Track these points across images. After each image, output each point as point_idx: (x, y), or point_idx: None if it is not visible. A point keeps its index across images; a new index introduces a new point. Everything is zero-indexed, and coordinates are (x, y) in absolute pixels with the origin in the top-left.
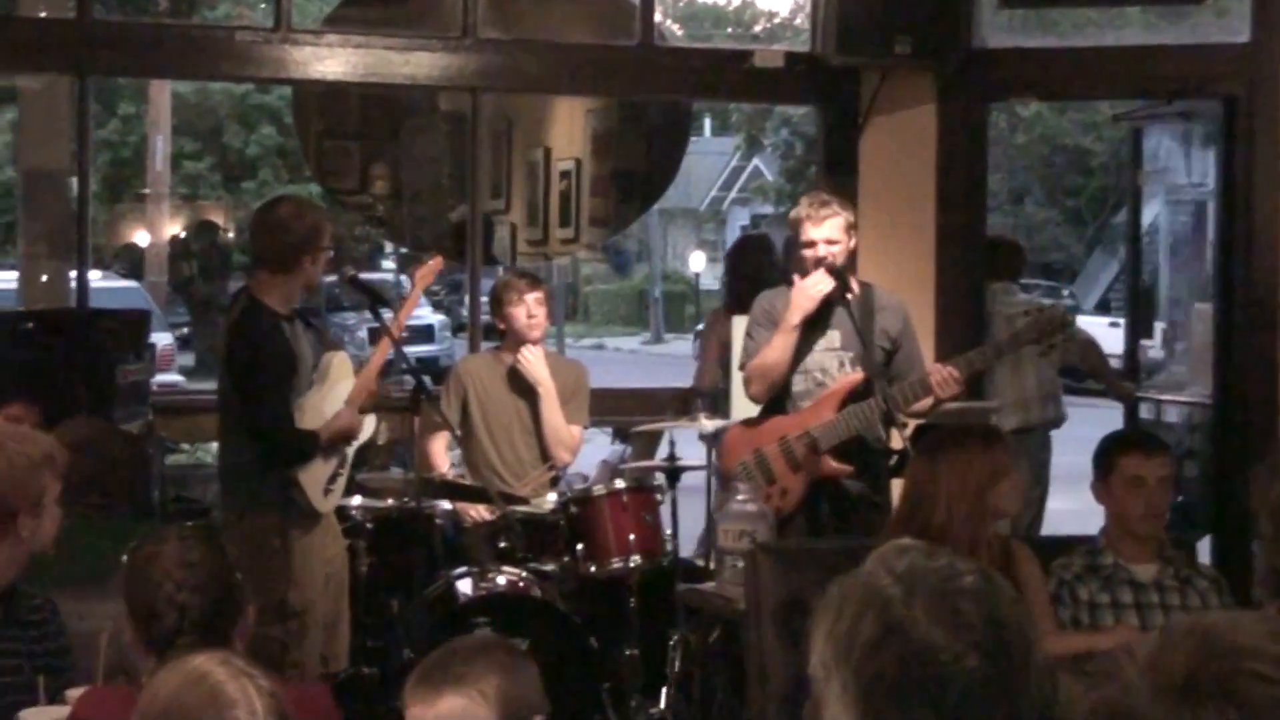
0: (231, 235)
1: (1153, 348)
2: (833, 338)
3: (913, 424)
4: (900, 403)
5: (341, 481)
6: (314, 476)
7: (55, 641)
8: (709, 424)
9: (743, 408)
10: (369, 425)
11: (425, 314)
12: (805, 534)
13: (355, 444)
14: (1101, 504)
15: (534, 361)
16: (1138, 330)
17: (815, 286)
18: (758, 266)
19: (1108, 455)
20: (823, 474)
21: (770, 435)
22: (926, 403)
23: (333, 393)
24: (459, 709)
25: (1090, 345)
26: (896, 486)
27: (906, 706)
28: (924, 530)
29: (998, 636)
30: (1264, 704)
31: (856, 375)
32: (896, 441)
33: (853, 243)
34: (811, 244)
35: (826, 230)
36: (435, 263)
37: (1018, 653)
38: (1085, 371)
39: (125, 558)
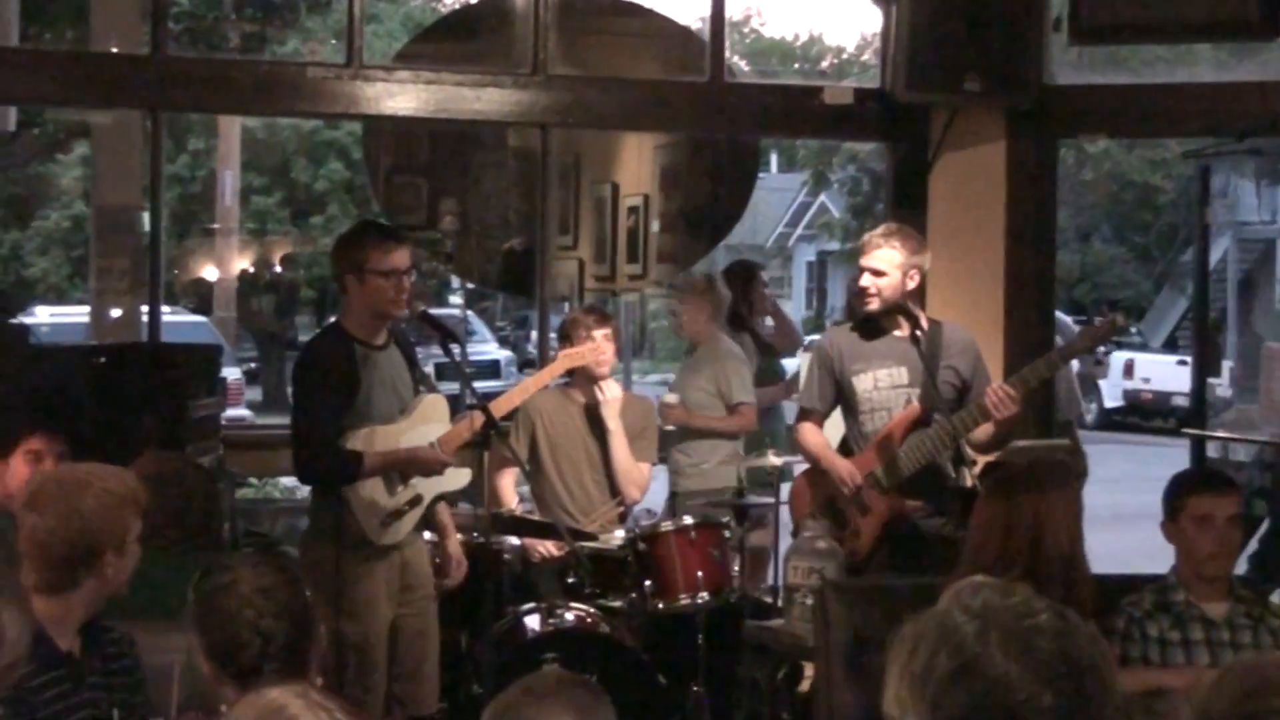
0: (300, 270)
1: (1220, 386)
2: (899, 374)
3: (981, 461)
4: (960, 429)
5: (409, 519)
6: (370, 505)
7: (132, 675)
8: (776, 459)
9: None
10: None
11: (491, 349)
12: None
13: (441, 489)
14: (1171, 543)
15: (611, 402)
16: (1205, 368)
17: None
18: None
19: (1176, 495)
20: (892, 514)
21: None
22: (988, 429)
23: (415, 430)
24: None
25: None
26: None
27: None
28: (1010, 566)
29: (1073, 674)
30: None
31: (913, 409)
32: (967, 479)
33: (912, 280)
34: (861, 271)
35: (874, 260)
36: (586, 350)
37: (1094, 691)
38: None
39: (192, 591)
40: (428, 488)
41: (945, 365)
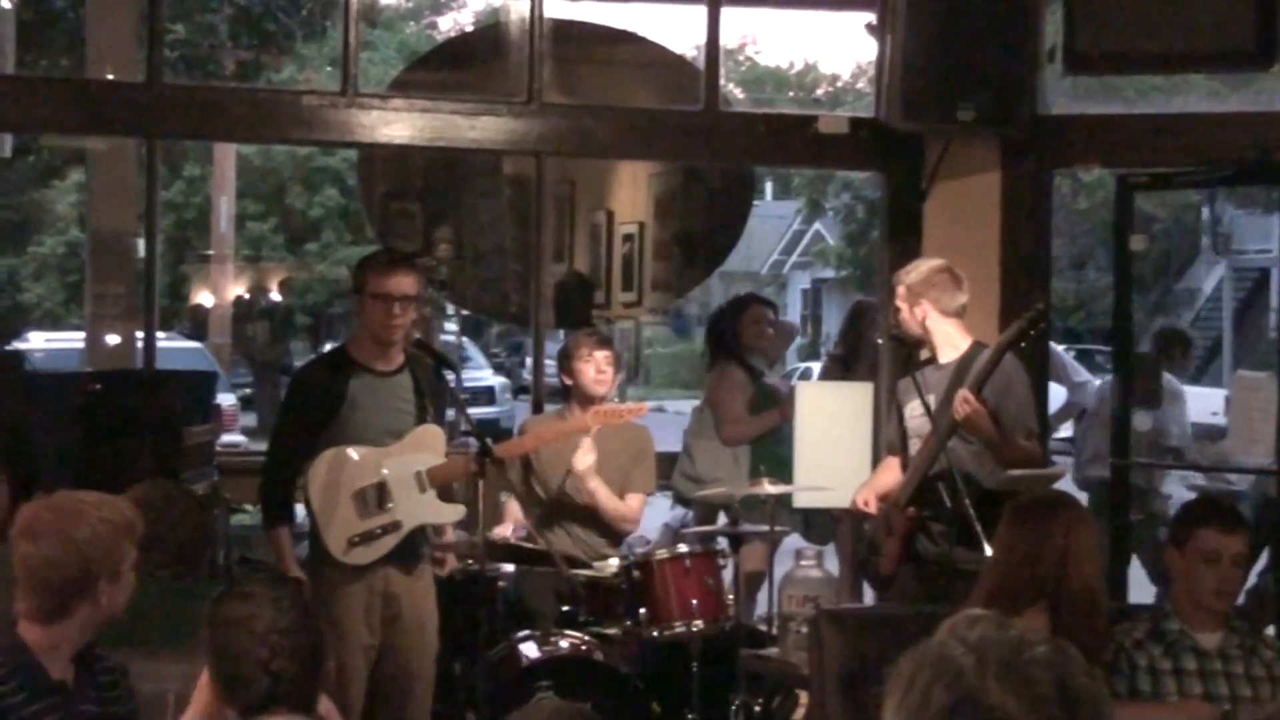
0: (295, 296)
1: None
2: (921, 403)
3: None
4: (941, 442)
5: (382, 544)
6: (338, 523)
7: (126, 705)
8: (771, 488)
9: (804, 471)
10: (451, 512)
11: (486, 375)
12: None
13: (423, 520)
14: (1172, 569)
15: (584, 473)
16: (1128, 393)
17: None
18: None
19: (1186, 524)
20: (907, 531)
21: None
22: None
23: (404, 456)
24: None
25: None
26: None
27: None
28: (1038, 594)
29: (1070, 708)
30: None
31: (927, 438)
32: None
33: (920, 310)
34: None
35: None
36: (611, 411)
37: None
38: None
39: (207, 613)
40: (407, 516)
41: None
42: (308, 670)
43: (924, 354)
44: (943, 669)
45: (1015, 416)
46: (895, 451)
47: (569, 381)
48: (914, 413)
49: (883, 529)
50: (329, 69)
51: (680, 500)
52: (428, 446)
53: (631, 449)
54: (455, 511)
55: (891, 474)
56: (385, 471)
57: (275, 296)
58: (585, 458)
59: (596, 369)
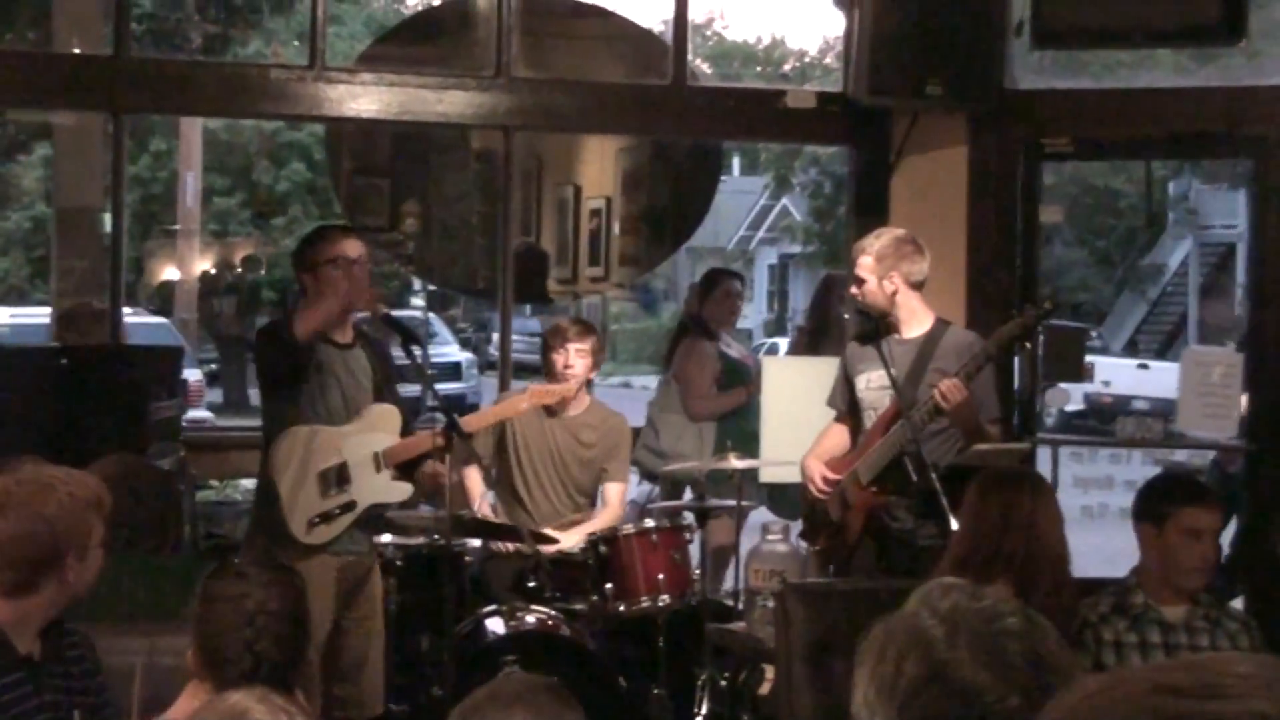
0: (262, 271)
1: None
2: (884, 375)
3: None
4: (918, 423)
5: (339, 523)
6: (299, 503)
7: (93, 679)
8: (738, 463)
9: (771, 446)
10: (400, 491)
11: (452, 351)
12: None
13: (376, 499)
14: (1146, 546)
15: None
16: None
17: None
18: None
19: (1164, 502)
20: (869, 509)
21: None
22: (942, 424)
23: (362, 436)
24: None
25: None
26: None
27: None
28: (1006, 565)
29: (1041, 677)
30: None
31: (890, 408)
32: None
33: (890, 284)
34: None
35: (856, 268)
36: (557, 389)
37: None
38: None
39: (201, 586)
40: (362, 496)
41: (934, 368)
42: (289, 656)
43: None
44: (914, 639)
45: (981, 402)
46: (843, 418)
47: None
48: (873, 383)
49: (837, 505)
50: (296, 43)
51: (647, 476)
52: (383, 426)
53: (609, 440)
54: (404, 490)
55: (837, 440)
56: (345, 452)
57: (241, 272)
58: (571, 536)
59: (565, 361)
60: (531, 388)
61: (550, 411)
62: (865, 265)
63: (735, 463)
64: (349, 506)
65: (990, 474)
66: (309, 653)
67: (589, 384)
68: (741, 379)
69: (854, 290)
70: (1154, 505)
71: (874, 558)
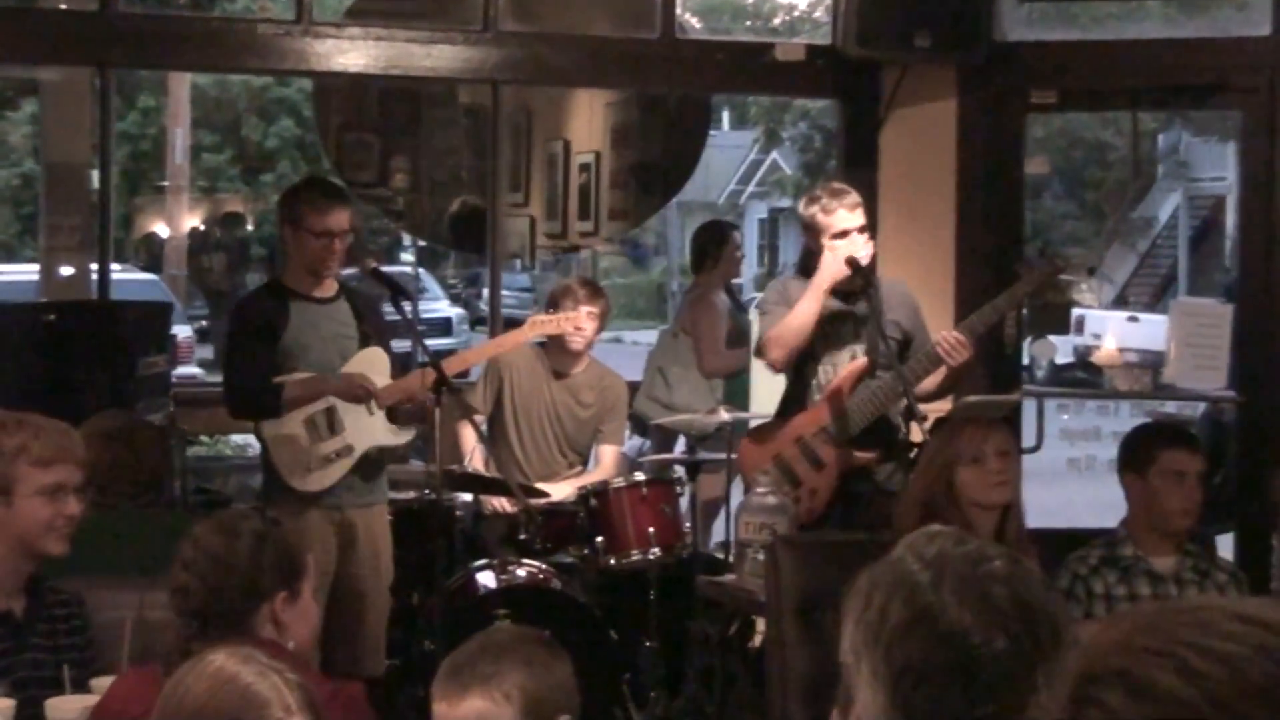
0: (250, 228)
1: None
2: (847, 358)
3: (933, 417)
4: (910, 378)
5: (336, 468)
6: (291, 449)
7: (81, 635)
8: (727, 415)
9: (762, 400)
10: (400, 434)
11: (442, 307)
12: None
13: (375, 443)
14: (1131, 494)
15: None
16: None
17: (848, 251)
18: None
19: (1146, 447)
20: (850, 466)
21: (787, 439)
22: (939, 377)
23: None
24: (481, 711)
25: None
26: None
27: (936, 690)
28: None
29: (1026, 620)
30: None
31: (860, 363)
32: (917, 435)
33: (870, 243)
34: (845, 234)
35: (860, 218)
36: (559, 319)
37: (1046, 635)
38: None
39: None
40: (359, 439)
41: (889, 319)
42: (214, 596)
43: None
44: (900, 584)
45: (925, 344)
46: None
47: None
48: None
49: (809, 464)
50: None
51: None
52: (372, 369)
53: (606, 400)
54: (404, 434)
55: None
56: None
57: (231, 228)
58: (563, 488)
59: (575, 323)
60: (532, 318)
61: (558, 374)
62: (863, 213)
63: (724, 415)
64: (345, 451)
65: (944, 416)
66: (250, 600)
67: None
68: (746, 334)
69: (870, 243)
70: (1136, 453)
71: (846, 517)
